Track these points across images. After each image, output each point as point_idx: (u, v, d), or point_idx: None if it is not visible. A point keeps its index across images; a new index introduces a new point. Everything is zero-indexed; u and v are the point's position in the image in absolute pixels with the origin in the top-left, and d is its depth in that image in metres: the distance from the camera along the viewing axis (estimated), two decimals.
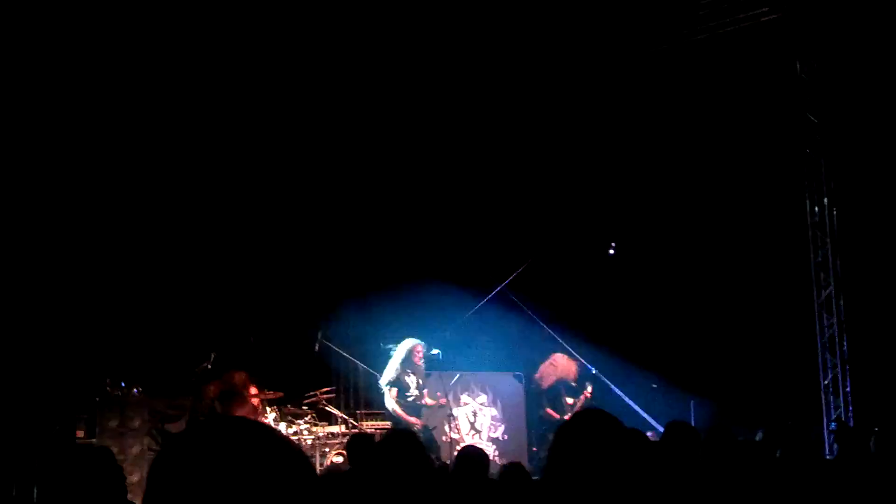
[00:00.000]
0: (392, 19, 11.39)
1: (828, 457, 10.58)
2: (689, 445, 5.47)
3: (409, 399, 10.14)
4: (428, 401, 10.38)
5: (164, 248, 11.84)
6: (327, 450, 10.97)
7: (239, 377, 9.74)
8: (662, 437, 5.82)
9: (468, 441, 12.26)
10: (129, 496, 6.79)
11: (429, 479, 4.35)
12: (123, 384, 11.02)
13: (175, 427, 10.51)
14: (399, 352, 10.30)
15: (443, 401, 10.54)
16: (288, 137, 12.46)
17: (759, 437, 5.91)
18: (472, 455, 5.58)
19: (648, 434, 7.93)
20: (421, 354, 10.26)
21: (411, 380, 10.20)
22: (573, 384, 10.78)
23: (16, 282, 8.88)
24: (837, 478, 3.92)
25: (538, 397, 10.86)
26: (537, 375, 10.96)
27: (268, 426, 1.45)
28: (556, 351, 11.29)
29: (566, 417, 10.51)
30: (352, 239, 13.16)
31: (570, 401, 10.73)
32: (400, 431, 4.50)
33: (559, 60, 12.63)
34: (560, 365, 10.84)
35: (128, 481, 6.98)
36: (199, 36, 10.44)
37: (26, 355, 8.74)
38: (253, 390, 10.86)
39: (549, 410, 10.61)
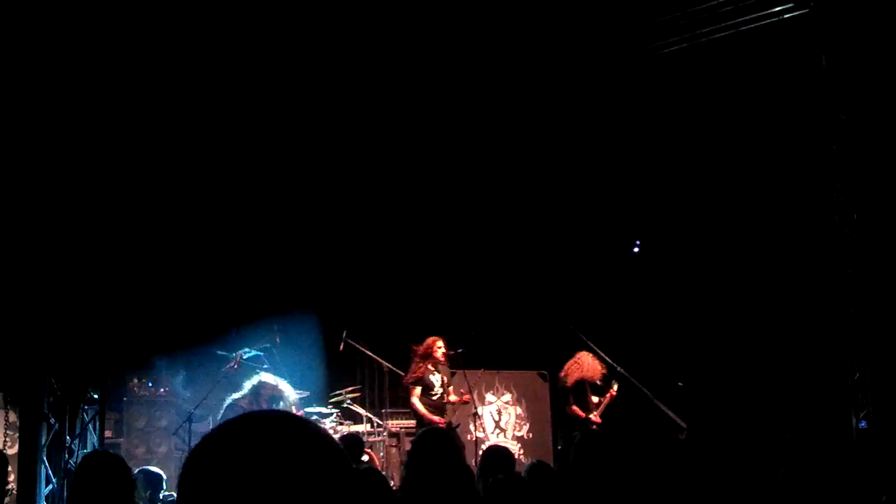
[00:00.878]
0: (386, 19, 11.37)
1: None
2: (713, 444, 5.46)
3: (434, 397, 10.13)
4: (452, 398, 10.37)
5: (177, 246, 11.90)
6: None
7: (269, 379, 9.78)
8: (686, 438, 5.81)
9: (493, 440, 12.28)
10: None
11: (464, 477, 4.37)
12: (150, 384, 11.11)
13: (202, 427, 10.58)
14: (421, 350, 10.30)
15: (466, 397, 10.52)
16: (285, 136, 12.46)
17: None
18: (498, 453, 5.60)
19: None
20: (442, 350, 10.22)
21: (435, 378, 10.19)
22: (599, 383, 10.75)
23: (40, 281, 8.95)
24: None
25: (563, 395, 10.83)
26: (562, 374, 10.94)
27: (302, 419, 1.43)
28: (581, 349, 11.26)
29: (592, 416, 10.52)
30: (374, 237, 13.18)
31: (595, 399, 10.69)
32: (433, 431, 4.50)
33: (584, 59, 12.59)
34: (585, 363, 10.81)
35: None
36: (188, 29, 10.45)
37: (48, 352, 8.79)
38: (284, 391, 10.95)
39: (575, 408, 10.59)
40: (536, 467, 5.45)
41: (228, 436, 1.36)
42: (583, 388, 10.75)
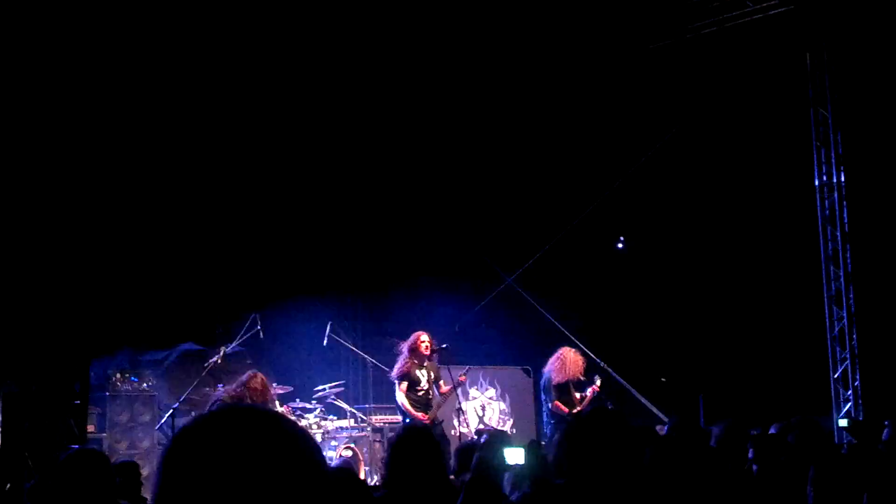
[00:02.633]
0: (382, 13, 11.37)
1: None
2: (697, 441, 5.47)
3: (420, 393, 10.10)
4: (444, 388, 10.30)
5: (166, 238, 11.85)
6: (336, 444, 10.99)
7: (257, 382, 9.73)
8: (668, 433, 5.82)
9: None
10: (143, 490, 6.83)
11: (443, 475, 4.37)
12: (134, 379, 11.06)
13: (185, 422, 10.53)
14: (405, 345, 10.26)
15: (462, 378, 10.43)
16: (267, 129, 12.43)
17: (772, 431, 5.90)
18: (469, 449, 5.61)
19: (657, 428, 7.90)
20: (427, 345, 10.16)
21: (422, 373, 10.15)
22: (581, 378, 10.73)
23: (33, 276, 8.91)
24: (851, 471, 3.93)
25: (546, 392, 10.83)
26: (546, 370, 10.92)
27: (278, 414, 1.42)
28: (564, 345, 11.24)
29: (575, 412, 10.53)
30: (358, 234, 13.16)
31: (578, 395, 10.70)
32: (413, 429, 4.49)
33: (567, 55, 12.60)
34: (568, 359, 10.76)
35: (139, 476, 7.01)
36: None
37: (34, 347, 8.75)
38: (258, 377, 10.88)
39: (558, 404, 10.58)
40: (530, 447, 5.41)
41: (205, 431, 1.35)
42: (566, 384, 10.73)
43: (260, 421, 1.36)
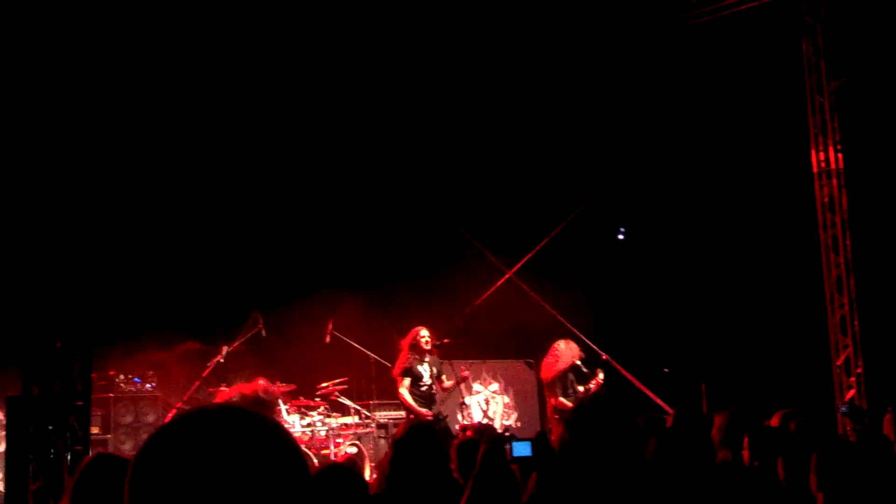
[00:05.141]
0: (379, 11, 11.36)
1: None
2: (700, 430, 5.47)
3: (423, 388, 10.10)
4: (447, 383, 10.28)
5: (168, 238, 11.85)
6: (341, 441, 11.00)
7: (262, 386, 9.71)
8: (672, 423, 5.82)
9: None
10: None
11: (447, 473, 4.38)
12: (137, 380, 11.07)
13: None
14: (406, 341, 10.25)
15: (466, 374, 10.40)
16: (267, 130, 12.42)
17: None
18: (470, 444, 5.63)
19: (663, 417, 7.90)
20: (427, 340, 10.14)
21: (424, 368, 10.14)
22: (584, 370, 10.67)
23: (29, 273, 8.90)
24: (853, 459, 3.92)
25: (550, 388, 10.75)
26: (542, 367, 10.83)
27: (255, 413, 1.36)
28: (565, 337, 11.17)
29: None
30: (358, 229, 13.15)
31: (581, 389, 10.66)
32: (417, 426, 4.49)
33: (566, 46, 12.59)
34: (560, 349, 10.66)
35: None
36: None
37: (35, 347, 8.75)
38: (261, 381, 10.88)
39: (562, 400, 10.51)
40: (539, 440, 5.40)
41: (177, 435, 1.31)
42: (566, 378, 10.65)
43: (234, 422, 1.32)
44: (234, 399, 9.58)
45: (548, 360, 10.63)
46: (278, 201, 12.59)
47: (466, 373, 10.40)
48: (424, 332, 10.15)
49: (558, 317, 12.90)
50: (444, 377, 10.23)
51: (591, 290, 13.75)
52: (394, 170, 13.19)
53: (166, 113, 11.47)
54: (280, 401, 10.38)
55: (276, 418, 8.48)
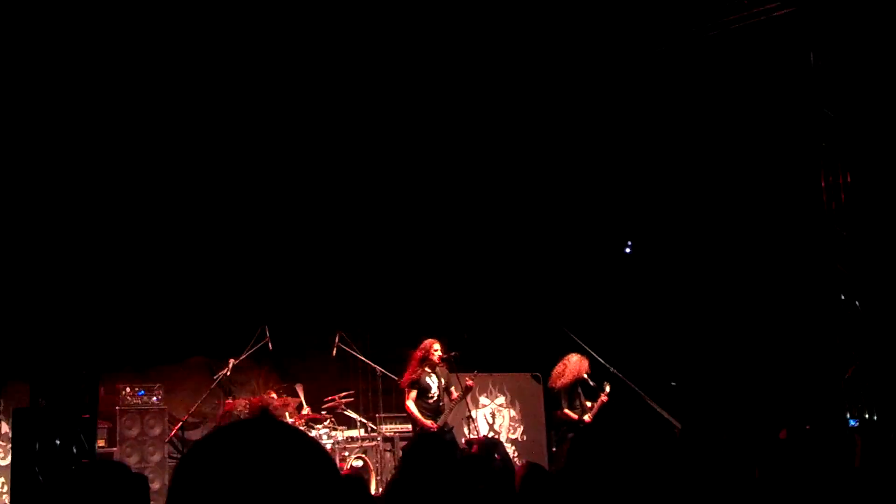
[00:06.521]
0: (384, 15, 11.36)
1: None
2: (709, 444, 5.45)
3: (430, 400, 10.09)
4: (455, 395, 10.28)
5: (174, 251, 11.85)
6: (347, 454, 10.98)
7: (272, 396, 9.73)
8: (681, 437, 5.80)
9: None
10: None
11: (457, 483, 4.36)
12: (142, 392, 11.07)
13: (195, 435, 10.53)
14: (417, 353, 10.26)
15: (470, 383, 10.38)
16: (277, 137, 12.43)
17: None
18: (473, 461, 5.62)
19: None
20: (438, 353, 10.17)
21: (432, 380, 10.15)
22: (591, 384, 10.70)
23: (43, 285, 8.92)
24: (863, 476, 3.91)
25: (555, 399, 10.81)
26: (552, 377, 10.90)
27: (291, 427, 1.42)
28: (573, 351, 11.23)
29: (585, 418, 10.50)
30: (365, 242, 13.14)
31: (588, 403, 10.68)
32: (428, 436, 4.49)
33: (575, 59, 12.59)
34: (572, 363, 10.75)
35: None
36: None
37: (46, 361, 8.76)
38: (273, 395, 10.92)
39: (567, 412, 10.55)
40: (532, 469, 5.43)
41: (219, 444, 1.35)
42: (574, 390, 10.71)
43: (272, 433, 1.36)
44: (240, 408, 9.59)
45: (558, 369, 10.72)
46: (286, 214, 12.58)
47: (471, 381, 10.40)
48: (437, 346, 10.18)
49: (565, 330, 12.87)
50: (452, 388, 10.25)
51: (598, 303, 13.73)
52: (400, 180, 13.19)
53: (177, 130, 11.49)
54: (287, 414, 10.39)
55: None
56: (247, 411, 10.25)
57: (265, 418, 1.46)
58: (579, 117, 13.33)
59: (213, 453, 1.33)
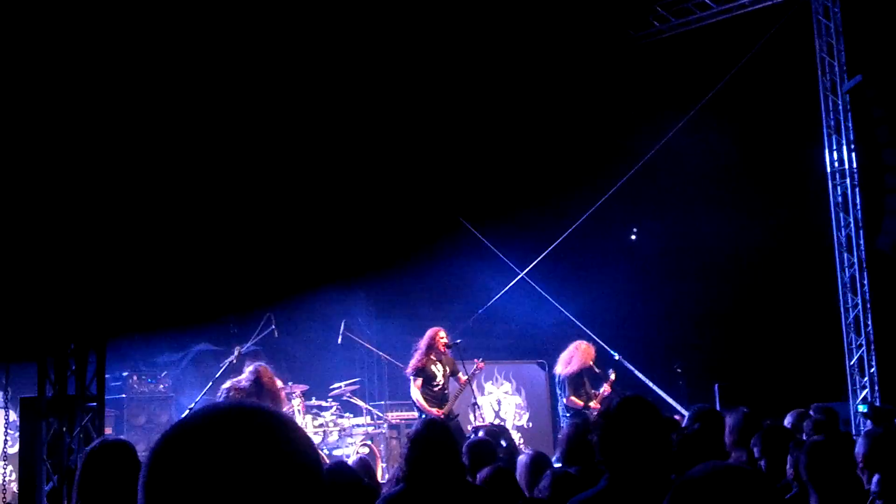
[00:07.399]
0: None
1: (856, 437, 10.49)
2: (716, 430, 5.47)
3: (435, 388, 10.13)
4: (463, 378, 10.31)
5: (180, 240, 11.88)
6: (353, 441, 11.02)
7: (266, 376, 9.71)
8: (688, 423, 5.82)
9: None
10: None
11: (460, 470, 4.38)
12: (150, 381, 11.11)
13: None
14: (422, 341, 10.29)
15: (480, 365, 10.42)
16: (276, 130, 12.44)
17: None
18: (481, 448, 5.65)
19: (675, 418, 7.90)
20: (443, 341, 10.21)
21: (437, 368, 10.18)
22: (596, 371, 10.72)
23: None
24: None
25: (561, 386, 10.82)
26: (558, 363, 10.92)
27: (268, 409, 1.34)
28: (578, 338, 11.24)
29: (591, 405, 10.52)
30: (371, 231, 13.16)
31: (594, 390, 10.69)
32: (432, 422, 4.50)
33: (577, 46, 12.58)
34: (579, 349, 10.77)
35: None
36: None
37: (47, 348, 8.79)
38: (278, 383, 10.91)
39: (574, 399, 10.57)
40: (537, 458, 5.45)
41: (190, 434, 1.30)
42: (580, 377, 10.72)
43: (247, 418, 1.31)
44: (227, 387, 9.54)
45: (565, 355, 10.74)
46: (292, 203, 12.60)
47: (482, 364, 10.44)
48: (442, 334, 10.23)
49: (570, 317, 12.90)
50: (459, 374, 10.28)
51: (603, 290, 13.74)
52: (408, 172, 13.19)
53: (178, 118, 11.50)
54: (281, 394, 10.33)
55: (279, 404, 8.36)
56: (237, 393, 10.18)
57: (242, 402, 1.39)
58: (582, 105, 13.31)
59: (185, 439, 1.29)
